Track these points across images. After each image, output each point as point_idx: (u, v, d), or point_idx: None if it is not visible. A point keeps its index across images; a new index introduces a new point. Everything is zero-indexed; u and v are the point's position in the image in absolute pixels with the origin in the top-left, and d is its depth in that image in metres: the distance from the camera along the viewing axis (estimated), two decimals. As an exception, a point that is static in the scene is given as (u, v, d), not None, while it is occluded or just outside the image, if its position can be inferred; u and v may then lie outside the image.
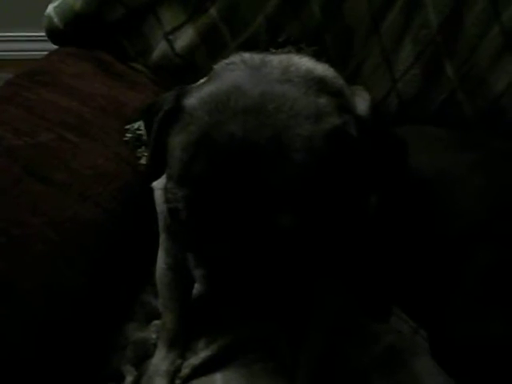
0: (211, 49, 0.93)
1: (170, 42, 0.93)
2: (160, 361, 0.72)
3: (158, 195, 0.63)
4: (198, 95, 0.48)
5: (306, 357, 0.71)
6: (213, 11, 0.92)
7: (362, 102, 0.79)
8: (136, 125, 0.80)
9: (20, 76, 0.85)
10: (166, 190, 0.49)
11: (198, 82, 0.54)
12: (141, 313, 0.78)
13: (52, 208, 0.66)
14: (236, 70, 0.51)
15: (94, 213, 0.71)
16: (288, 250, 0.45)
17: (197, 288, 0.79)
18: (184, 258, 0.66)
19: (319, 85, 0.49)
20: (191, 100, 0.48)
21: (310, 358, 0.71)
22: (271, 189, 0.42)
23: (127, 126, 0.81)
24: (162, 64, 0.95)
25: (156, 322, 0.78)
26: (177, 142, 0.47)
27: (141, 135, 0.79)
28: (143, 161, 0.78)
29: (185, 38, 0.92)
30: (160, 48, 0.94)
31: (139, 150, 0.79)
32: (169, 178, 0.49)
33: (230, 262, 0.46)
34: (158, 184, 0.63)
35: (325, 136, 0.44)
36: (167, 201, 0.48)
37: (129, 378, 0.69)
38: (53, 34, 0.97)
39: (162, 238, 0.66)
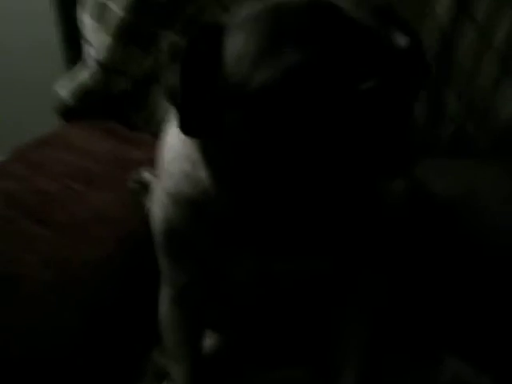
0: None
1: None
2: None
3: (157, 214, 0.58)
4: (235, 15, 0.44)
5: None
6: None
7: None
8: (140, 173, 0.79)
9: (28, 143, 0.87)
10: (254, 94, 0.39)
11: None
12: (150, 373, 0.69)
13: (48, 248, 0.63)
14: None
15: (96, 255, 0.67)
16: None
17: (208, 342, 0.71)
18: (188, 289, 0.60)
19: None
20: (232, 19, 0.43)
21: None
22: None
23: (132, 176, 0.80)
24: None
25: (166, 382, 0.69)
26: (236, 39, 0.42)
27: (145, 182, 0.78)
28: (148, 205, 0.76)
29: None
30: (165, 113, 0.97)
31: (143, 197, 0.77)
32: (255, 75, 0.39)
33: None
34: (156, 208, 0.59)
35: None
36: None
37: None
38: (63, 111, 1.01)
39: (162, 266, 0.60)
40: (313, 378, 0.64)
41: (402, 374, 0.64)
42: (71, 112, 1.00)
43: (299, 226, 0.49)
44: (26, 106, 1.27)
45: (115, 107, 0.99)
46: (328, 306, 0.60)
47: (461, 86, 0.91)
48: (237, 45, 0.42)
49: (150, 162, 0.86)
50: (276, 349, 0.67)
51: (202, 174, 0.49)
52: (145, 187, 0.78)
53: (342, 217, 0.51)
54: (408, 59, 0.42)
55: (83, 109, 0.99)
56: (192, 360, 0.64)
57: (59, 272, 0.61)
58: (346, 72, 0.38)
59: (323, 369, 0.64)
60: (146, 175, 0.81)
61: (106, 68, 0.96)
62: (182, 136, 0.50)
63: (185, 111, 0.44)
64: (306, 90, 0.38)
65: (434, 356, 0.69)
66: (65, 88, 1.00)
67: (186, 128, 0.44)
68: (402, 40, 0.41)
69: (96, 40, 1.00)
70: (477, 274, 0.70)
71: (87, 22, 1.01)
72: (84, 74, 0.99)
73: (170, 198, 0.54)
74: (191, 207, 0.52)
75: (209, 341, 0.71)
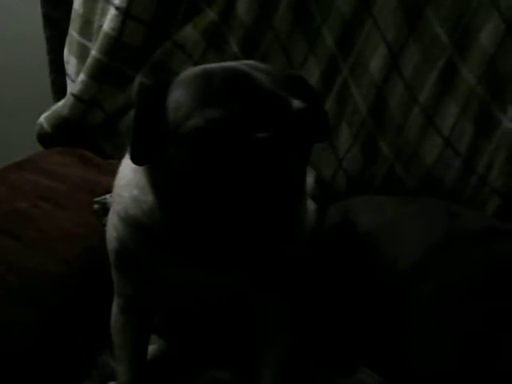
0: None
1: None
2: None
3: (110, 233, 0.69)
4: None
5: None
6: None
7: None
8: (103, 197, 0.91)
9: (8, 165, 0.98)
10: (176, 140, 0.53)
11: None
12: (96, 373, 0.79)
13: (16, 258, 0.73)
14: None
15: (58, 266, 0.77)
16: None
17: (151, 348, 0.81)
18: (133, 299, 0.71)
19: None
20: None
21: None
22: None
23: (96, 199, 0.91)
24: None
25: (111, 382, 0.78)
26: (176, 93, 0.56)
27: (106, 204, 0.89)
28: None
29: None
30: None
31: (105, 217, 0.88)
32: (178, 125, 0.54)
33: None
34: (109, 228, 0.69)
35: None
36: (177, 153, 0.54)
37: None
38: (42, 138, 1.13)
39: (114, 279, 0.71)
40: (239, 381, 0.75)
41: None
42: (49, 139, 1.12)
43: (222, 246, 0.61)
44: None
45: (89, 137, 1.11)
46: (251, 319, 0.71)
47: (391, 135, 1.04)
48: (176, 98, 0.56)
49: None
50: (210, 353, 0.78)
51: (148, 198, 0.61)
52: (106, 209, 0.89)
53: (258, 240, 0.63)
54: (303, 119, 0.55)
55: (59, 137, 1.11)
56: (136, 362, 0.74)
57: (24, 279, 0.71)
58: (250, 125, 0.52)
59: (249, 373, 0.75)
60: (109, 199, 0.92)
61: (83, 101, 1.08)
62: (133, 166, 0.63)
63: (135, 145, 0.57)
64: (221, 136, 0.52)
65: (349, 367, 0.81)
66: (45, 117, 1.12)
67: (135, 158, 0.58)
68: (296, 103, 0.55)
69: (76, 76, 1.12)
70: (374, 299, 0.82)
71: (70, 59, 1.14)
72: (62, 106, 1.11)
73: (121, 219, 0.65)
74: (138, 228, 0.63)
75: (152, 346, 0.81)
